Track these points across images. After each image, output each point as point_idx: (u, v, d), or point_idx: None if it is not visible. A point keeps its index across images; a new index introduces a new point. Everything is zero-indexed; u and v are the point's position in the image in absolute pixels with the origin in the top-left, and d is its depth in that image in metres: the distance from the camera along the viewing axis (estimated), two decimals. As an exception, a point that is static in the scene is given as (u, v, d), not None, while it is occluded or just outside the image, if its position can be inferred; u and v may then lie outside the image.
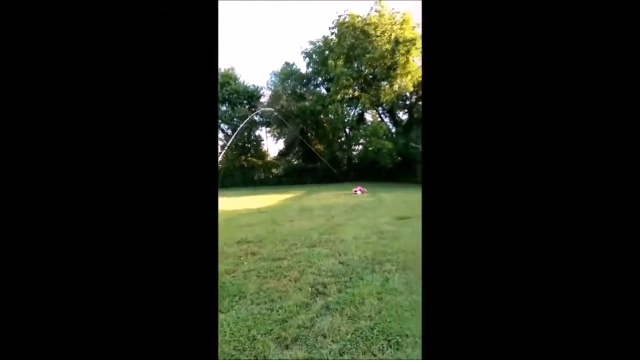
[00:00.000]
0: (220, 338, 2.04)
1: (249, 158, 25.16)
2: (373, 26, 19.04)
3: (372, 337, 2.00)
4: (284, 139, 25.94)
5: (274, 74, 25.89)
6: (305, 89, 24.75)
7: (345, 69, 20.19)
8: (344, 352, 1.84)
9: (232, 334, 2.10)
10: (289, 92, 24.24)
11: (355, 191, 12.50)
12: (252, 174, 24.77)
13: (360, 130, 20.89)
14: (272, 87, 25.39)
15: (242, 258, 4.01)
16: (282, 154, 26.60)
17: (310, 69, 24.12)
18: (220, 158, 24.85)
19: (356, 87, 21.53)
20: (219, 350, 1.90)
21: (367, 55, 19.12)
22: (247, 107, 24.33)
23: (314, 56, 23.42)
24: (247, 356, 1.83)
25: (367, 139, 19.32)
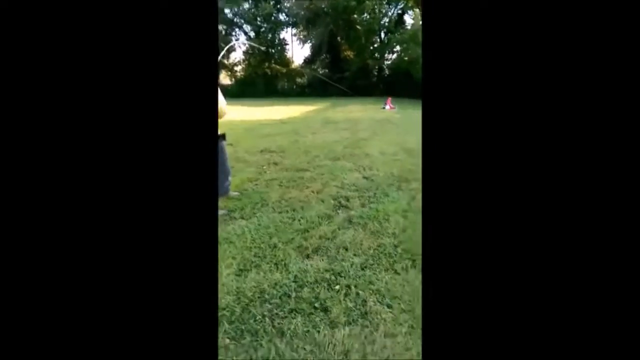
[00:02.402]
0: (241, 244, 2.04)
1: (272, 65, 23.45)
2: None
3: (395, 255, 1.92)
4: (310, 44, 23.53)
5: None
6: (338, -20, 21.02)
7: (388, -48, 16.57)
8: (365, 267, 1.79)
9: (253, 240, 2.10)
10: (319, -17, 20.77)
11: (385, 106, 11.67)
12: (275, 83, 23.48)
13: (397, 35, 18.32)
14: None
15: (264, 167, 3.94)
16: (307, 61, 24.54)
17: (344, -47, 19.98)
18: (242, 65, 23.47)
19: (397, -22, 18.02)
20: (240, 256, 1.90)
21: None
22: (271, 3, 21.50)
23: None
24: (268, 263, 1.83)
25: (405, 45, 17.02)
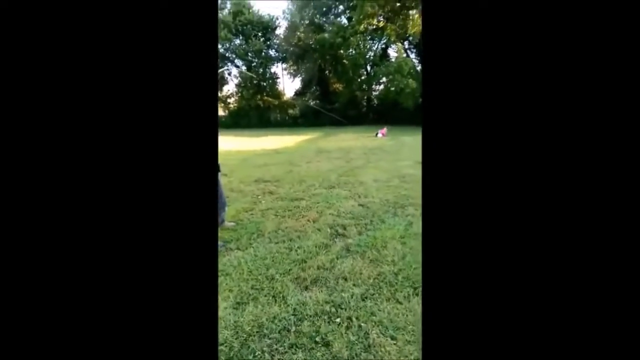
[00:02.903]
0: (238, 276, 1.99)
1: (265, 97, 24.15)
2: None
3: (396, 283, 1.88)
4: (300, 77, 24.49)
5: (291, 2, 23.32)
6: (324, 19, 22.26)
7: (371, -5, 17.83)
8: (366, 297, 1.75)
9: (250, 272, 2.05)
10: (307, 22, 22.02)
11: (377, 134, 11.97)
12: (268, 114, 24.05)
13: (383, 67, 19.24)
14: (289, 17, 23.08)
15: (259, 197, 3.93)
16: (298, 93, 25.37)
17: (331, -5, 21.44)
18: (235, 97, 24.13)
19: (381, 17, 19.24)
20: (237, 289, 1.85)
21: (397, -22, 16.64)
22: (261, 39, 22.59)
23: (335, -21, 20.64)
24: (266, 296, 1.77)
25: (390, 76, 17.82)
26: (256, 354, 1.33)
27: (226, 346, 1.37)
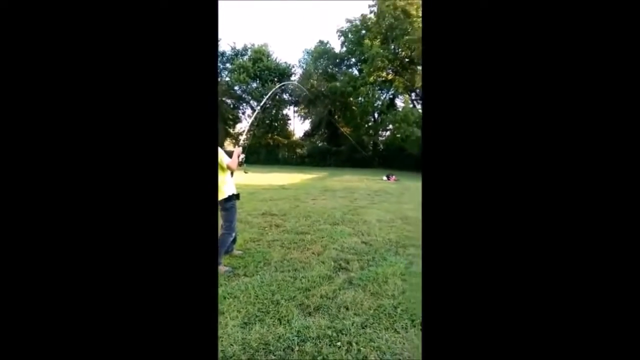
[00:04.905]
0: (245, 299, 2.10)
1: (275, 136, 25.27)
2: (416, 6, 18.00)
3: (395, 315, 1.97)
4: (310, 120, 25.73)
5: (307, 52, 25.42)
6: (337, 69, 24.14)
7: (381, 50, 19.40)
8: (366, 325, 1.84)
9: (257, 296, 2.16)
10: (320, 71, 23.77)
11: (386, 178, 12.13)
12: (276, 152, 24.95)
13: (390, 116, 20.27)
14: (304, 66, 24.98)
15: (266, 229, 4.09)
16: (307, 134, 26.49)
17: (344, 49, 23.38)
18: (247, 135, 25.11)
19: (390, 70, 20.72)
20: (245, 310, 1.96)
21: (406, 37, 18.19)
22: (277, 84, 24.21)
23: (349, 35, 22.63)
24: (271, 318, 1.87)
25: (397, 124, 18.73)
26: (262, 368, 1.42)
27: (234, 359, 1.47)
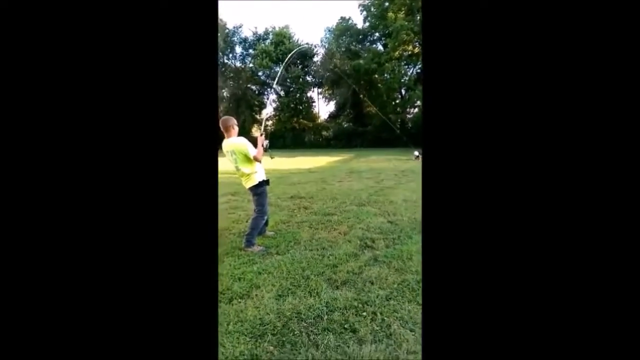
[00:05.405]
0: (278, 275, 2.31)
1: (300, 120, 25.43)
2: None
3: (418, 289, 2.08)
4: (335, 101, 25.47)
5: (329, 30, 24.86)
6: (360, 46, 23.45)
7: (406, 22, 18.51)
8: (390, 298, 1.97)
9: (289, 272, 2.36)
10: (343, 49, 23.20)
11: (416, 155, 11.67)
12: (302, 136, 25.17)
13: (417, 92, 19.52)
14: (326, 45, 24.51)
15: (295, 211, 4.30)
16: (332, 116, 26.33)
17: (367, 24, 22.56)
18: (273, 120, 25.65)
19: (417, 43, 19.74)
20: (278, 284, 2.16)
21: (432, 6, 17.12)
22: (299, 67, 24.08)
23: (372, 9, 21.74)
24: (302, 291, 2.06)
25: (424, 101, 18.05)
26: (295, 332, 1.61)
27: (270, 326, 1.68)
